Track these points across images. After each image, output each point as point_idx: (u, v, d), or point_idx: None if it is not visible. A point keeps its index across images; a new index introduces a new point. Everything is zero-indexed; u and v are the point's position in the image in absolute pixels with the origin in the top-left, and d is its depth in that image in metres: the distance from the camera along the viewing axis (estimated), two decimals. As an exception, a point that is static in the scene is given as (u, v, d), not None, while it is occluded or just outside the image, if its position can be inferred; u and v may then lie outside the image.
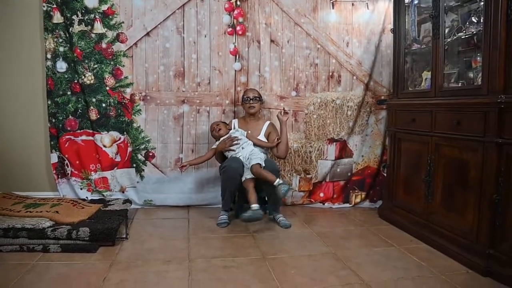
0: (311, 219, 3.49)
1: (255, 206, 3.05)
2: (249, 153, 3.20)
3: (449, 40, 2.91)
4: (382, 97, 3.86)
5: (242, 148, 3.24)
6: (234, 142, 3.25)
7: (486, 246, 2.37)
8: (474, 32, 2.74)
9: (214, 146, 3.40)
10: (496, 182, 2.32)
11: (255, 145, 3.32)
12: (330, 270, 2.42)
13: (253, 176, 3.13)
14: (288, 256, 2.65)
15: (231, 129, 3.42)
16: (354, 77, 3.83)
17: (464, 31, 2.84)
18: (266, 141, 3.42)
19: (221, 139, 3.33)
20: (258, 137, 3.40)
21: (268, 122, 3.48)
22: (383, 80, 3.86)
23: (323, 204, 3.89)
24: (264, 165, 3.15)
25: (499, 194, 2.30)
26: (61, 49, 3.46)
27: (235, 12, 3.63)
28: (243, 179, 3.16)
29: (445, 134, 2.72)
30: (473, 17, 2.84)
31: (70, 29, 3.44)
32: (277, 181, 3.04)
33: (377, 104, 3.88)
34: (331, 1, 3.76)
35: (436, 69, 2.89)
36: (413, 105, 3.13)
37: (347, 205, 3.90)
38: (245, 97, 3.45)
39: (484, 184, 2.39)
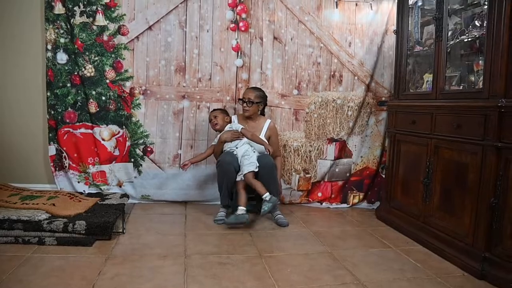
0: (308, 218, 3.51)
1: (240, 209, 3.09)
2: (241, 156, 3.20)
3: (451, 43, 2.93)
4: (383, 98, 3.88)
5: (236, 148, 3.24)
6: (235, 137, 3.26)
7: (482, 249, 2.39)
8: (477, 36, 2.76)
9: (213, 143, 3.40)
10: (494, 186, 2.34)
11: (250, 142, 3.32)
12: (326, 269, 2.44)
13: (251, 171, 3.15)
14: (285, 255, 2.67)
15: (230, 121, 3.41)
16: (356, 78, 3.85)
17: (467, 34, 2.86)
18: (264, 140, 3.39)
19: (225, 130, 3.32)
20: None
21: (268, 122, 3.46)
22: (385, 81, 3.87)
23: (321, 203, 3.91)
24: (256, 170, 3.16)
25: (497, 198, 2.32)
26: (62, 40, 3.47)
27: (239, 8, 3.64)
28: (237, 178, 3.18)
29: (444, 136, 2.74)
30: (476, 21, 2.86)
31: (72, 20, 3.45)
32: (265, 195, 3.09)
33: (377, 105, 3.90)
34: (335, 0, 3.77)
35: (438, 72, 2.91)
36: (413, 106, 3.15)
37: (344, 205, 3.92)
38: (240, 97, 3.45)
39: (482, 188, 2.41)
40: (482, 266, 2.37)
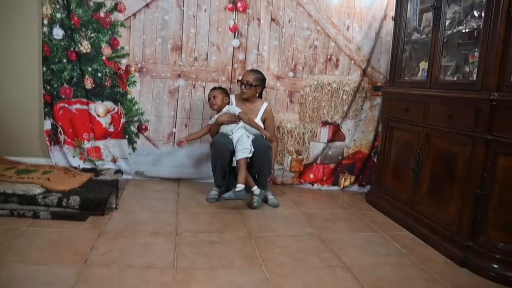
0: (299, 200, 3.57)
1: (239, 186, 3.13)
2: (236, 141, 3.22)
3: (449, 32, 2.93)
4: (379, 84, 3.91)
5: (232, 133, 3.25)
6: (232, 120, 3.26)
7: (465, 238, 2.46)
8: (475, 27, 2.75)
9: (210, 122, 3.40)
10: (481, 177, 2.39)
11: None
12: (314, 252, 2.52)
13: (244, 157, 3.19)
14: (274, 235, 2.73)
15: (228, 102, 3.39)
16: (352, 62, 3.86)
17: (464, 25, 2.87)
18: (261, 124, 3.41)
19: (222, 112, 3.31)
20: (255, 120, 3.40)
21: (265, 105, 3.45)
22: (381, 67, 3.89)
23: (312, 185, 3.99)
24: (250, 155, 3.21)
25: (483, 189, 2.38)
26: (58, 15, 3.45)
27: (237, -13, 3.63)
28: (234, 159, 3.22)
29: (436, 126, 2.79)
30: (475, 11, 2.85)
31: (68, -5, 3.43)
32: (254, 188, 3.22)
33: (373, 90, 3.93)
34: (335, -17, 3.76)
35: (433, 61, 2.93)
36: (407, 94, 3.18)
37: (336, 187, 4.01)
38: (238, 79, 3.46)
39: (469, 178, 2.47)
40: (465, 254, 2.44)
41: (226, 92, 3.41)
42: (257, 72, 3.44)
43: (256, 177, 3.35)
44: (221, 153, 3.20)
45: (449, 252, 2.55)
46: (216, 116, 3.34)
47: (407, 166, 3.09)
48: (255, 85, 3.36)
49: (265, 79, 3.48)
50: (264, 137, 3.25)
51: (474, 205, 2.43)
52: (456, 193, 2.58)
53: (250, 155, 3.21)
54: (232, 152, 3.23)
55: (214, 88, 3.43)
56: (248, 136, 3.27)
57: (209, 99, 3.38)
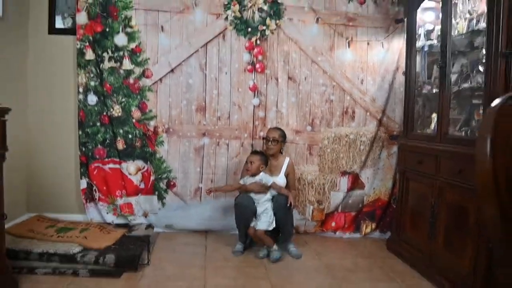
0: (321, 249, 3.71)
1: (275, 251, 3.39)
2: (261, 212, 3.41)
3: (455, 89, 3.10)
4: (395, 133, 4.08)
5: (258, 203, 3.42)
6: (262, 191, 3.43)
7: (480, 290, 2.55)
8: (480, 82, 2.90)
9: (242, 182, 3.52)
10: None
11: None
12: (334, 305, 2.67)
13: (265, 229, 3.39)
14: (296, 289, 2.89)
15: (264, 166, 3.49)
16: (368, 113, 4.07)
17: (469, 81, 3.04)
18: (285, 181, 3.62)
19: (255, 178, 3.45)
20: (279, 177, 3.60)
21: (287, 160, 3.67)
22: (396, 116, 4.08)
23: (335, 233, 4.12)
24: (270, 229, 3.40)
25: (494, 243, 2.49)
26: (92, 83, 3.81)
27: (255, 50, 3.92)
28: (252, 224, 3.42)
29: (448, 179, 2.90)
30: (480, 66, 3.01)
31: (101, 65, 3.79)
32: (274, 247, 3.39)
33: (389, 139, 4.10)
34: (347, 40, 4.01)
35: (442, 116, 3.07)
36: (420, 147, 3.33)
37: (357, 234, 4.13)
38: (265, 136, 3.69)
39: (482, 231, 2.54)
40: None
41: (264, 160, 3.51)
42: (280, 129, 3.70)
43: (279, 228, 3.50)
44: (244, 215, 3.42)
45: (466, 303, 2.64)
46: (248, 181, 3.48)
47: (424, 216, 3.20)
48: (280, 141, 3.61)
49: (286, 135, 3.71)
50: (288, 204, 3.40)
51: (487, 257, 2.50)
52: (469, 246, 2.66)
53: (271, 228, 3.40)
54: (255, 212, 3.42)
55: (255, 153, 3.57)
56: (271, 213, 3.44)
57: (246, 162, 3.57)
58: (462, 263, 2.75)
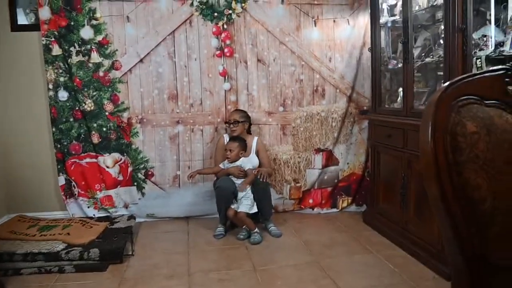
0: (300, 227, 3.86)
1: (255, 234, 3.50)
2: (242, 197, 3.54)
3: (419, 63, 3.21)
4: (365, 108, 4.20)
5: (238, 188, 3.57)
6: (241, 175, 3.59)
7: (449, 256, 2.73)
8: (442, 56, 2.96)
9: (223, 166, 3.68)
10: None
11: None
12: (312, 280, 2.80)
13: (246, 211, 3.52)
14: (276, 267, 3.05)
15: (243, 151, 3.66)
16: (338, 90, 4.18)
17: (431, 56, 3.16)
18: (257, 160, 3.78)
19: (235, 163, 3.62)
20: (250, 157, 3.76)
21: (255, 139, 3.84)
22: (365, 91, 4.18)
23: (313, 209, 4.27)
24: (251, 212, 3.53)
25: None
26: (62, 79, 3.81)
27: (223, 35, 3.96)
28: (233, 207, 3.54)
29: (415, 152, 3.01)
30: (441, 40, 3.11)
31: (69, 60, 3.79)
32: (255, 230, 3.50)
33: (360, 114, 4.23)
34: (313, 19, 4.08)
35: (407, 91, 3.20)
36: (388, 122, 3.46)
37: (334, 209, 4.28)
38: (227, 120, 3.83)
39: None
40: (451, 269, 2.69)
41: (243, 145, 3.69)
42: (241, 111, 3.87)
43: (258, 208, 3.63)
44: (225, 196, 3.54)
45: (437, 268, 2.79)
46: (227, 165, 3.66)
47: (395, 188, 3.34)
48: (241, 122, 3.75)
49: (249, 116, 3.89)
50: (259, 177, 3.56)
51: (453, 224, 2.70)
52: (437, 214, 2.85)
53: (252, 212, 3.53)
54: (234, 193, 3.55)
55: (232, 140, 3.71)
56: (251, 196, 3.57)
57: (225, 149, 3.69)
58: (431, 231, 2.89)
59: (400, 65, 3.48)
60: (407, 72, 3.21)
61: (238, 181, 3.59)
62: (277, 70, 4.09)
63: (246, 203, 3.53)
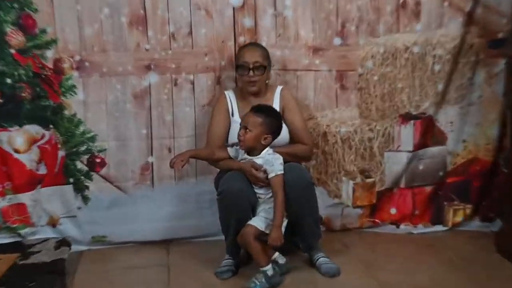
0: (373, 258, 3.61)
1: (281, 259, 3.24)
2: (262, 210, 3.27)
3: None
4: (500, 35, 3.83)
5: (260, 200, 3.31)
6: (259, 183, 3.26)
7: None
8: None
9: (232, 154, 3.40)
10: None
11: None
12: None
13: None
14: None
15: (269, 136, 3.30)
16: (446, 3, 3.75)
17: None
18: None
19: (254, 157, 3.29)
20: None
21: (278, 90, 3.58)
22: (501, 2, 3.80)
23: (397, 226, 4.05)
24: (267, 231, 3.20)
25: None
26: None
27: None
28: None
29: None
30: None
31: None
32: (276, 255, 3.23)
33: (489, 49, 3.85)
34: None
35: None
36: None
37: (439, 227, 4.04)
38: (240, 62, 3.49)
39: None
40: None
41: (274, 125, 3.35)
42: (261, 46, 3.60)
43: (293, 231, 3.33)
44: (237, 205, 3.20)
45: None
46: (241, 157, 3.37)
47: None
48: (266, 67, 3.48)
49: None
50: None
51: None
52: None
53: (268, 231, 3.16)
54: (254, 203, 3.28)
55: (256, 111, 3.34)
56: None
57: (240, 127, 3.38)
58: None
59: None
60: None
61: (258, 191, 3.31)
62: (331, -30, 3.71)
63: (263, 216, 3.24)
